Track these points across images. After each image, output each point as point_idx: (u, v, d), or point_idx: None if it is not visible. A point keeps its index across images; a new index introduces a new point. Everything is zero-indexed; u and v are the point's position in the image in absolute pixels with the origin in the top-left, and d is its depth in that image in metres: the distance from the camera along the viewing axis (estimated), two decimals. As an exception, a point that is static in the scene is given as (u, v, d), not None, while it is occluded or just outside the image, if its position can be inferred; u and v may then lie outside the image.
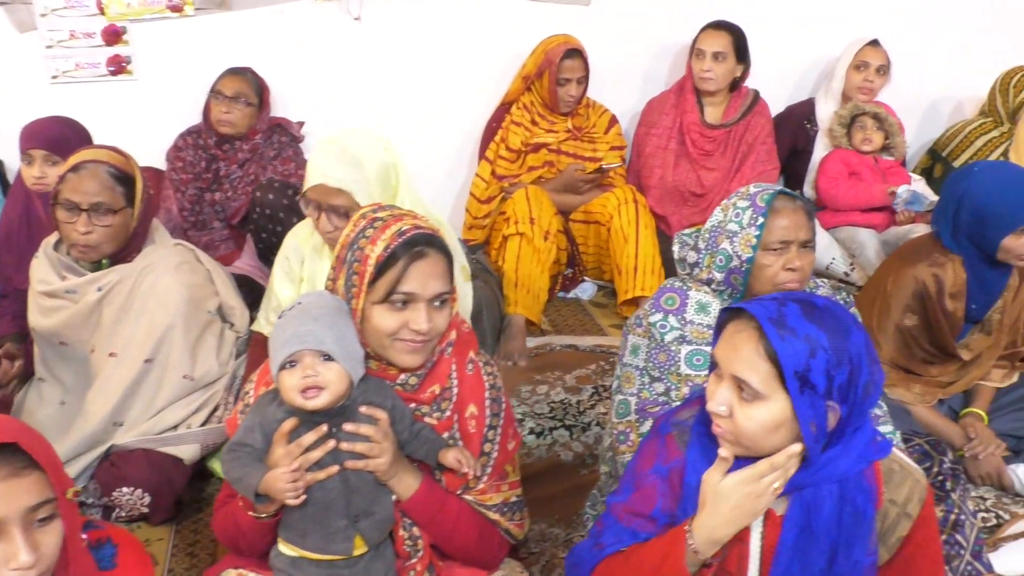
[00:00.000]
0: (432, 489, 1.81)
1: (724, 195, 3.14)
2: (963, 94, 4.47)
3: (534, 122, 3.76)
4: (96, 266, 2.50)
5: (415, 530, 1.81)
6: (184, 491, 2.46)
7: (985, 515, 2.51)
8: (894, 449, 1.60)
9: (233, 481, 1.69)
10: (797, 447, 1.47)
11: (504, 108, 3.81)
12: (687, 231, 2.27)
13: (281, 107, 3.68)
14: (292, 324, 1.69)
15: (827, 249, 3.76)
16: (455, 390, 1.84)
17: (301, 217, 2.67)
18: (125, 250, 2.52)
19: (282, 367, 1.67)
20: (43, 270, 2.52)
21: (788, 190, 2.15)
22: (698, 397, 1.62)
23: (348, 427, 1.70)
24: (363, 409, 1.72)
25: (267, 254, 3.18)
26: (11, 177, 3.27)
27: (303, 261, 2.62)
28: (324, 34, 3.70)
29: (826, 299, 1.53)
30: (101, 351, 2.50)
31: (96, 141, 2.89)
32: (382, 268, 1.69)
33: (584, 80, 3.69)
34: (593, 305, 3.76)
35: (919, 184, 3.93)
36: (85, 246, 2.42)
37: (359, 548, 1.72)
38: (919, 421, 2.63)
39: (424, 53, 3.83)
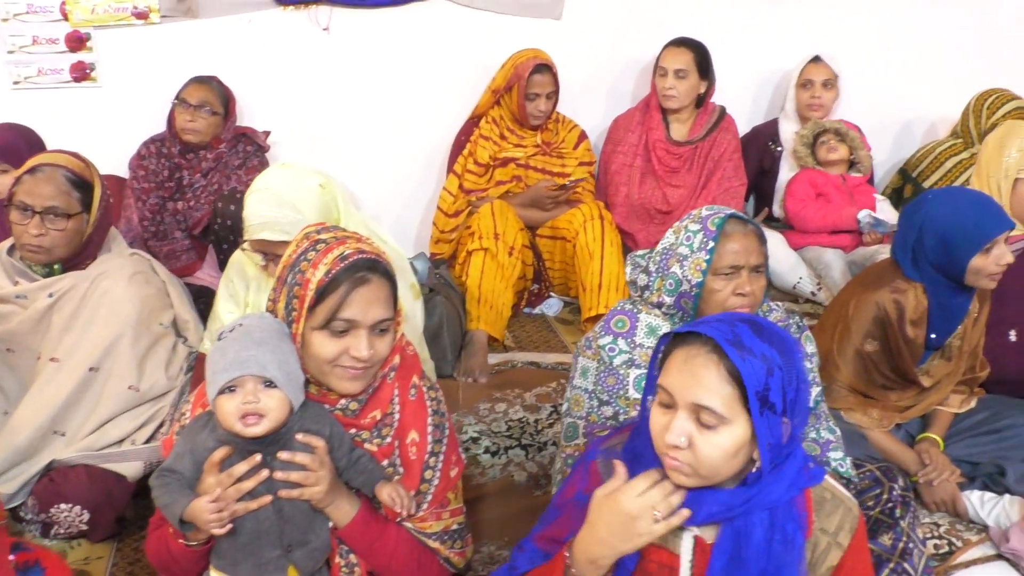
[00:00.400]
0: (370, 517, 1.78)
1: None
2: (937, 114, 4.47)
3: (503, 136, 3.74)
4: (48, 271, 2.48)
5: (352, 557, 1.79)
6: (127, 508, 2.41)
7: (938, 542, 2.50)
8: (826, 477, 1.59)
9: (161, 508, 1.67)
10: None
11: (473, 121, 3.79)
12: (639, 253, 2.25)
13: (248, 117, 3.66)
14: (233, 347, 1.66)
15: (794, 268, 3.75)
16: (397, 416, 1.82)
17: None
18: (79, 256, 2.50)
19: (221, 392, 1.65)
20: (-5, 274, 2.49)
21: (740, 214, 2.12)
22: (627, 425, 1.60)
23: (283, 456, 1.67)
24: (299, 437, 1.69)
25: (228, 265, 3.15)
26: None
27: (248, 286, 2.58)
28: (292, 44, 3.68)
29: (763, 318, 1.53)
30: (46, 358, 2.47)
31: (59, 148, 2.85)
32: (322, 293, 1.67)
33: (554, 95, 3.67)
34: (559, 321, 3.73)
35: (884, 205, 3.93)
36: (37, 247, 2.40)
37: (292, 577, 1.70)
38: (875, 446, 2.62)
39: (393, 65, 3.81)
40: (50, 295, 2.46)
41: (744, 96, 4.21)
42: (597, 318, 3.45)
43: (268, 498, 1.66)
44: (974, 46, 4.35)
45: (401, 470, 1.82)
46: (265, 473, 1.66)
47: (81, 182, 2.45)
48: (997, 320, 2.83)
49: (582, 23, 3.95)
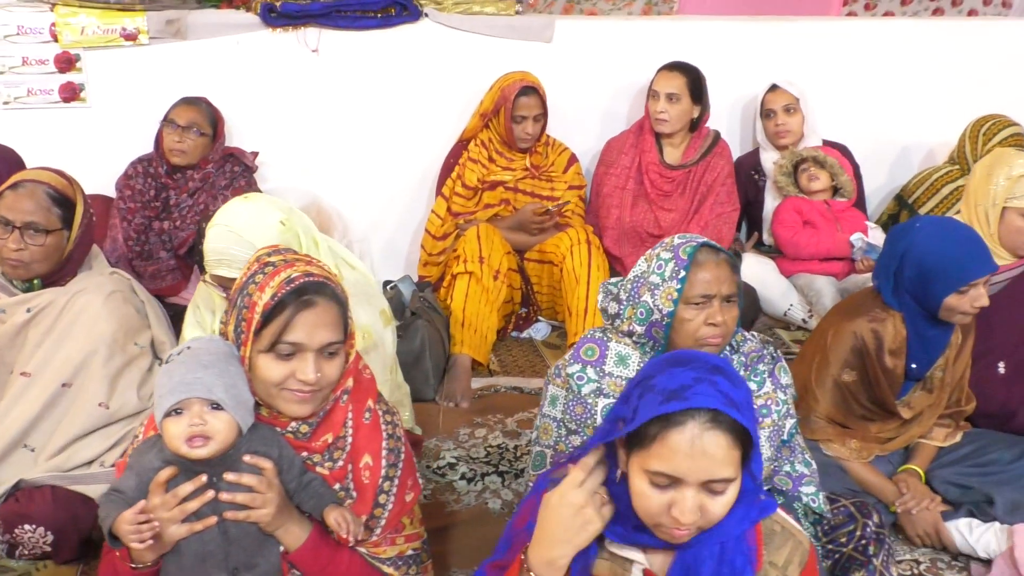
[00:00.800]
0: (321, 541, 1.76)
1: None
2: (935, 140, 4.43)
3: (491, 159, 3.73)
4: (28, 286, 2.49)
5: (302, 582, 1.76)
6: (93, 530, 2.38)
7: (918, 580, 2.45)
8: (778, 510, 1.56)
9: (100, 525, 1.65)
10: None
11: (462, 144, 3.79)
12: (612, 280, 2.21)
13: (236, 138, 3.67)
14: (179, 370, 1.67)
15: (785, 295, 3.73)
16: (349, 439, 1.80)
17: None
18: (59, 273, 2.51)
19: (167, 414, 1.64)
20: (-25, 291, 2.50)
21: (712, 243, 2.09)
22: (578, 455, 1.57)
23: (229, 477, 1.66)
24: (247, 458, 1.68)
25: (212, 286, 3.13)
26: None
27: (215, 314, 2.56)
28: (281, 66, 3.69)
29: (717, 357, 1.50)
30: (18, 371, 2.47)
31: (44, 165, 2.85)
32: (268, 316, 1.66)
33: (541, 118, 3.66)
34: (546, 346, 3.71)
35: (875, 232, 3.89)
36: (16, 261, 2.42)
37: (238, 601, 1.68)
38: (853, 477, 2.58)
39: (382, 87, 3.81)
40: (28, 310, 2.46)
41: (734, 123, 4.19)
42: (583, 343, 3.42)
43: (213, 519, 1.65)
44: (972, 72, 4.32)
45: (354, 494, 1.80)
46: (210, 494, 1.65)
47: (63, 199, 2.46)
48: (985, 351, 2.78)
49: (573, 46, 3.95)
